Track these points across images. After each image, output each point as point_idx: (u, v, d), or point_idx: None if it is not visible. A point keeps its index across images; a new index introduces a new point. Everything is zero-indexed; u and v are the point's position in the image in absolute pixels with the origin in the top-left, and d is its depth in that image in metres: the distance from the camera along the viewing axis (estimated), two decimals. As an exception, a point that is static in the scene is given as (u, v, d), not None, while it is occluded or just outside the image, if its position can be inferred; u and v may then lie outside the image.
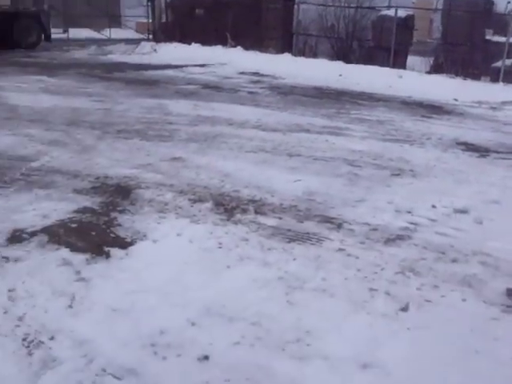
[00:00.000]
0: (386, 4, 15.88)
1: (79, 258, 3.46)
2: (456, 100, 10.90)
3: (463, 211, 4.60)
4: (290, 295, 3.15)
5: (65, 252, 3.55)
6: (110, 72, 12.70)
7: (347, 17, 15.40)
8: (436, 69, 14.24)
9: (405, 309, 3.07)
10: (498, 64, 13.18)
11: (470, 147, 6.95)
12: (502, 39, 13.67)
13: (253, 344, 2.70)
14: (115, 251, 3.58)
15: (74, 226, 3.98)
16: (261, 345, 2.70)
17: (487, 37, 14.94)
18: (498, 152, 6.79)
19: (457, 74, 13.12)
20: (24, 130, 6.69)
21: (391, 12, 14.76)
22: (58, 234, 3.81)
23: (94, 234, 3.87)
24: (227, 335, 2.75)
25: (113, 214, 4.20)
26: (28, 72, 11.87)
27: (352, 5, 15.16)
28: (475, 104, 10.61)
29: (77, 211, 4.23)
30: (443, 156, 6.44)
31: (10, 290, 3.06)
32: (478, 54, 13.97)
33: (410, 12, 16.19)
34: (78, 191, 4.67)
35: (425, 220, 4.36)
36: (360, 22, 15.41)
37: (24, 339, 2.65)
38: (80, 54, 16.52)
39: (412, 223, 4.28)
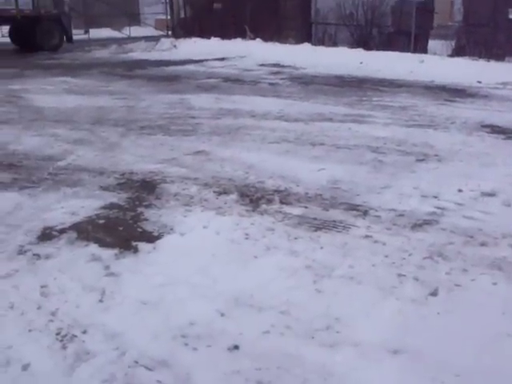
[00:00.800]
0: (405, -12, 15.65)
1: (108, 254, 3.51)
2: (480, 82, 10.71)
3: (491, 194, 4.54)
4: (317, 283, 3.15)
5: (94, 248, 3.60)
6: (131, 70, 12.79)
7: (366, 3, 15.21)
8: (458, 51, 14.00)
9: (434, 293, 3.05)
10: (523, 43, 12.93)
11: (495, 129, 6.84)
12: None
13: (282, 333, 2.71)
14: (143, 245, 3.63)
15: (101, 222, 4.04)
16: (290, 333, 2.70)
17: (510, 16, 14.60)
18: (525, 133, 6.68)
19: (480, 56, 12.87)
20: (50, 130, 6.79)
21: (410, -4, 14.56)
22: (87, 231, 3.87)
23: (121, 229, 3.92)
24: (256, 325, 2.76)
25: (139, 209, 4.24)
26: (52, 74, 12.02)
27: (370, -9, 14.99)
28: (500, 85, 10.41)
29: (104, 207, 4.29)
30: (468, 139, 6.34)
31: (42, 287, 3.12)
32: (502, 34, 13.67)
33: (430, -6, 15.96)
34: (104, 188, 4.73)
35: (452, 204, 4.31)
36: (379, 7, 15.18)
37: (58, 333, 2.70)
38: (101, 54, 16.68)
39: (439, 208, 4.24)
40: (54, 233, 3.84)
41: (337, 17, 15.82)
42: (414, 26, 13.88)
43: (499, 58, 12.88)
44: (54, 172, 5.18)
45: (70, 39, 18.02)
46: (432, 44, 15.17)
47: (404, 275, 3.24)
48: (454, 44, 14.65)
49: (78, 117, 7.53)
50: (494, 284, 3.16)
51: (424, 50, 14.27)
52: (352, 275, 3.24)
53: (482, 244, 3.65)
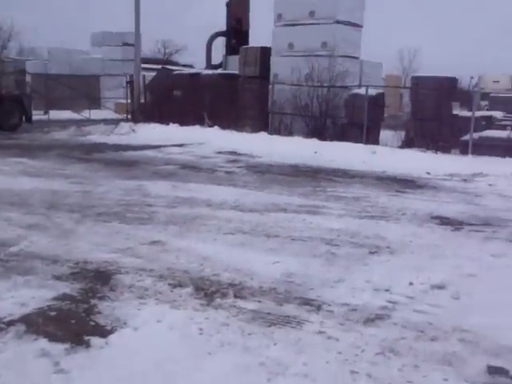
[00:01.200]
0: (357, 83, 16.52)
1: (58, 349, 3.42)
2: (428, 173, 11.20)
3: (440, 287, 4.68)
4: (271, 382, 3.13)
5: (43, 342, 3.50)
6: (89, 153, 12.87)
7: (320, 96, 15.90)
8: (407, 143, 14.69)
9: (386, 392, 3.08)
10: (466, 137, 13.68)
11: (444, 221, 7.11)
12: (468, 114, 14.29)
13: None
14: (95, 340, 3.55)
15: (52, 314, 3.95)
16: None
17: (454, 111, 15.55)
18: (471, 224, 6.96)
19: (428, 148, 13.56)
20: (3, 213, 6.70)
21: (362, 90, 15.34)
22: (37, 323, 3.77)
23: (73, 322, 3.84)
24: (209, 426, 2.72)
25: (92, 301, 4.18)
26: (9, 154, 12.00)
27: (324, 84, 15.72)
28: (447, 177, 10.92)
29: (56, 298, 4.21)
30: (419, 231, 6.56)
31: (-14, 386, 3.01)
32: (447, 128, 14.48)
33: (380, 90, 16.89)
34: (57, 277, 4.65)
35: (403, 298, 4.42)
36: (333, 100, 15.91)
37: None
38: (60, 135, 16.79)
39: (390, 302, 4.33)
40: (2, 325, 3.73)
41: (293, 107, 16.44)
42: (366, 118, 14.55)
43: (445, 150, 13.58)
44: (5, 258, 5.08)
45: (29, 119, 18.20)
46: (383, 134, 15.87)
47: (357, 372, 3.26)
48: (403, 136, 15.38)
49: (33, 200, 7.48)
50: (445, 380, 3.22)
51: (376, 141, 14.90)
52: (306, 373, 3.24)
53: (433, 339, 3.73)
